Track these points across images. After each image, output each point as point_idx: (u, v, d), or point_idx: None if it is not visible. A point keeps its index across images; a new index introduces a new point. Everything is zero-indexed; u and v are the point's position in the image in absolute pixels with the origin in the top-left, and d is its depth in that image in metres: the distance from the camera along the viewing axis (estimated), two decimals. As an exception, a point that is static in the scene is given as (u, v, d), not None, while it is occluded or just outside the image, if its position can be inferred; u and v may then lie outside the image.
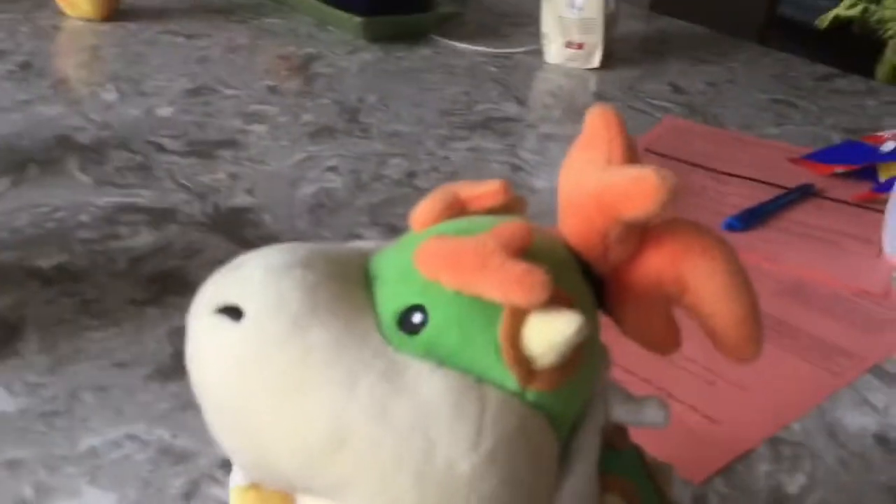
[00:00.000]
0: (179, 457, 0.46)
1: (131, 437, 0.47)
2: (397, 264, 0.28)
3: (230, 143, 0.82)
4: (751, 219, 0.78)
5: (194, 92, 0.93)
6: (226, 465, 0.46)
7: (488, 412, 0.25)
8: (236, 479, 0.36)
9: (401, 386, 0.25)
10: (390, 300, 0.27)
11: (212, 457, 0.46)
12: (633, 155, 0.29)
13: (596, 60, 1.13)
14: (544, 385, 0.26)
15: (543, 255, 0.27)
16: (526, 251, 0.27)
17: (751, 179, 0.87)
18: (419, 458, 0.25)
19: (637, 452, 0.33)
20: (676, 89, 1.11)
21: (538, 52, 1.16)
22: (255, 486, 0.34)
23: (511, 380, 0.26)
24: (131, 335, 0.55)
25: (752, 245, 0.74)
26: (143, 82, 0.94)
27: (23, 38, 1.02)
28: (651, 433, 0.51)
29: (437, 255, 0.26)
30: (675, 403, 0.55)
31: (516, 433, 0.26)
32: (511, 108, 1.00)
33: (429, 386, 0.25)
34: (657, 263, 0.29)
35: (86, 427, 0.48)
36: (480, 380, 0.26)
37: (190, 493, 0.44)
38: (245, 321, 0.26)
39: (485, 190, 0.30)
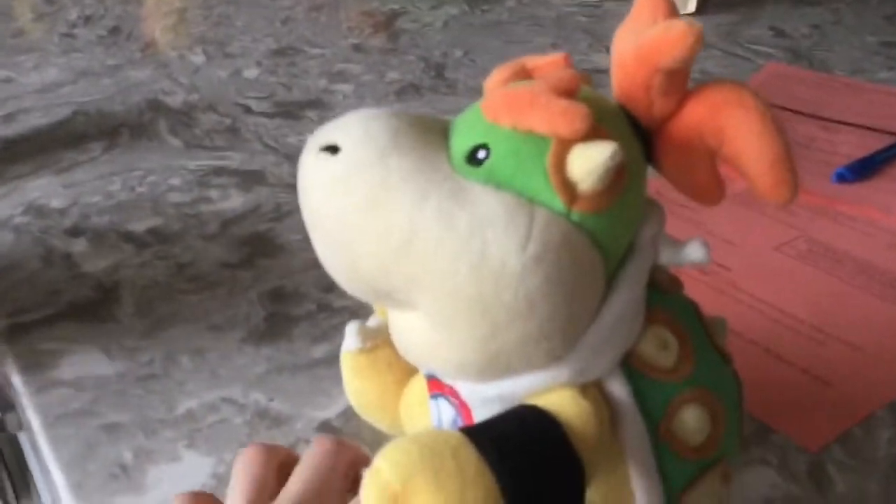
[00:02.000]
0: (275, 420, 0.46)
1: (228, 401, 0.47)
2: (468, 117, 0.33)
3: (316, 104, 0.81)
4: (863, 169, 0.73)
5: (279, 52, 0.92)
6: (322, 429, 0.45)
7: (536, 223, 0.30)
8: (348, 344, 0.41)
9: (464, 200, 0.30)
10: (461, 142, 0.32)
11: (308, 420, 0.46)
12: (675, 16, 0.32)
13: (691, 6, 1.08)
14: (587, 206, 0.30)
15: (592, 102, 0.31)
16: (573, 95, 0.31)
17: (862, 127, 0.81)
18: (476, 256, 0.29)
19: (687, 299, 0.36)
20: (778, 33, 1.05)
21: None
22: (364, 351, 0.41)
23: (557, 201, 0.30)
24: (224, 298, 0.55)
25: (865, 197, 0.70)
26: (229, 44, 0.93)
27: (111, 2, 1.03)
28: (760, 398, 0.49)
29: (497, 100, 0.31)
30: (783, 366, 0.52)
31: (561, 242, 0.30)
32: (602, 60, 0.96)
33: (487, 201, 0.30)
34: (698, 116, 0.32)
35: (182, 390, 0.48)
36: (532, 200, 0.30)
37: (286, 457, 0.44)
38: (341, 154, 0.31)
39: (549, 60, 0.34)
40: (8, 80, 0.82)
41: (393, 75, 0.89)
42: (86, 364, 0.49)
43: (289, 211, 0.64)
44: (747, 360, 0.52)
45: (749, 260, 0.61)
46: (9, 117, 0.75)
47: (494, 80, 0.34)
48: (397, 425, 0.43)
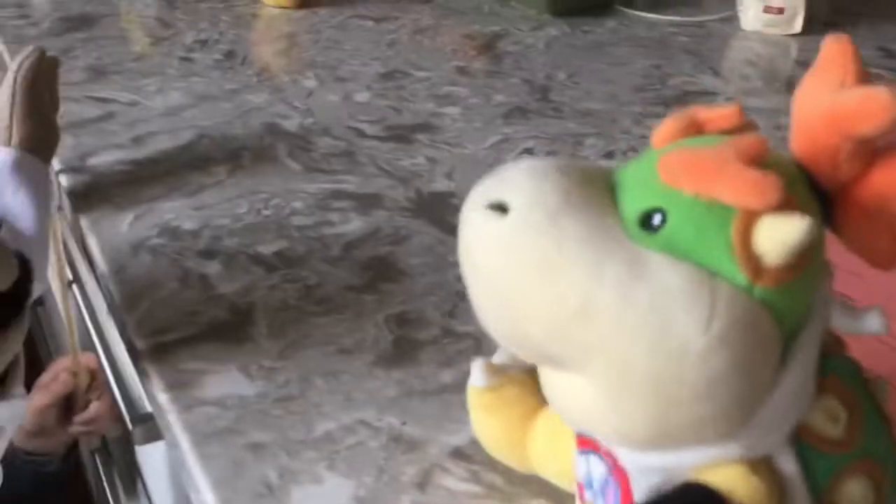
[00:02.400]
0: (410, 445, 0.47)
1: (363, 423, 0.49)
2: (639, 174, 0.32)
3: (426, 127, 0.83)
4: None
5: (387, 76, 0.95)
6: (455, 455, 0.46)
7: (720, 300, 0.28)
8: (475, 380, 0.42)
9: (642, 273, 0.29)
10: (633, 203, 0.31)
11: (441, 446, 0.47)
12: (865, 79, 0.31)
13: (798, 25, 1.06)
14: (771, 282, 0.29)
15: (776, 167, 0.30)
16: (762, 162, 0.29)
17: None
18: (656, 334, 0.28)
19: (853, 361, 0.35)
20: (888, 53, 1.03)
21: (733, 19, 1.11)
22: (490, 388, 0.41)
23: (741, 276, 0.29)
24: (352, 321, 0.57)
25: None
26: (339, 68, 0.96)
27: (224, 26, 1.07)
28: None
29: (678, 163, 0.30)
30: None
31: (745, 321, 0.29)
32: (707, 81, 0.96)
33: (668, 275, 0.29)
34: (886, 181, 0.31)
35: (320, 412, 0.49)
36: (713, 274, 0.29)
37: (423, 482, 0.45)
38: (511, 214, 0.30)
39: (721, 112, 0.33)
40: (134, 104, 0.86)
41: (499, 98, 0.90)
42: (227, 384, 0.51)
43: (406, 235, 0.66)
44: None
45: (877, 292, 0.60)
46: (138, 140, 0.79)
47: (664, 134, 0.33)
48: (525, 463, 0.43)
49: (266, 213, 0.68)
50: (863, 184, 0.31)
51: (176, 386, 0.51)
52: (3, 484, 0.70)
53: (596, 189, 0.31)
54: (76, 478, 0.96)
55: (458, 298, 0.57)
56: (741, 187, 0.29)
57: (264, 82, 0.92)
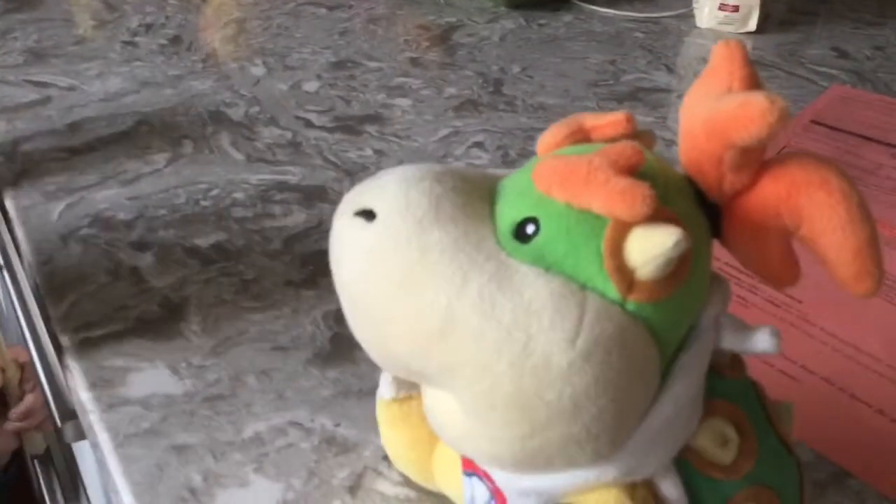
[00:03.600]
0: (342, 447, 0.46)
1: (295, 425, 0.47)
2: (518, 183, 0.30)
3: (375, 118, 0.81)
4: (934, 199, 0.71)
5: (338, 65, 0.93)
6: (389, 459, 0.45)
7: (588, 315, 0.27)
8: (382, 392, 0.40)
9: (508, 286, 0.27)
10: (508, 212, 0.29)
11: (374, 448, 0.45)
12: (753, 84, 0.29)
13: (752, 24, 1.06)
14: (645, 296, 0.28)
15: (656, 177, 0.29)
16: (635, 171, 0.28)
17: (932, 155, 0.79)
18: (518, 350, 0.27)
19: (753, 385, 0.33)
20: (841, 54, 1.04)
21: (689, 16, 1.10)
22: (397, 400, 0.39)
23: (612, 289, 0.27)
24: (289, 318, 0.55)
25: (938, 229, 0.68)
26: (289, 56, 0.94)
27: (171, 10, 1.04)
28: (835, 440, 0.48)
29: (551, 171, 0.29)
30: (859, 406, 0.51)
31: (613, 337, 0.27)
32: (661, 78, 0.95)
33: (534, 288, 0.27)
34: (774, 194, 0.29)
35: (250, 412, 0.48)
36: (584, 287, 0.27)
37: (355, 486, 0.43)
38: (376, 222, 0.29)
39: (609, 119, 0.31)
40: (72, 89, 0.83)
41: (451, 90, 0.89)
42: (154, 382, 0.49)
43: (350, 228, 0.64)
44: (820, 398, 0.51)
45: (822, 292, 0.60)
46: (74, 126, 0.76)
47: (547, 141, 0.31)
48: (428, 478, 0.41)
49: (205, 203, 0.66)
50: (751, 196, 0.30)
51: (99, 384, 0.49)
52: None
53: (473, 198, 0.29)
54: (20, 487, 0.92)
55: (399, 295, 0.56)
56: (610, 196, 0.27)
57: (210, 69, 0.89)
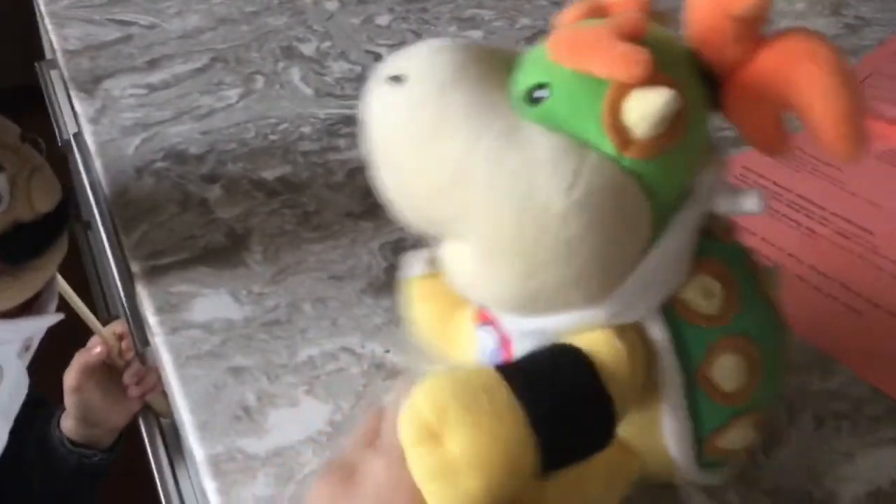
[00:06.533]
0: (391, 372, 0.47)
1: (346, 350, 0.48)
2: (535, 54, 0.33)
3: (446, 51, 0.81)
4: None
5: (411, -2, 0.92)
6: (435, 384, 0.46)
7: (585, 167, 0.30)
8: (415, 270, 0.43)
9: (515, 142, 0.30)
10: (522, 79, 0.32)
11: (422, 375, 0.46)
12: None
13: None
14: (639, 153, 0.30)
15: (659, 46, 0.31)
16: (637, 39, 0.30)
17: None
18: (521, 197, 0.30)
19: (743, 249, 0.36)
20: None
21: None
22: (427, 277, 0.43)
23: (609, 145, 0.30)
24: (347, 248, 0.56)
25: None
26: (363, -10, 0.94)
27: (251, -51, 1.05)
28: (893, 374, 0.46)
29: (562, 39, 0.32)
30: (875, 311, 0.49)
31: (607, 188, 0.30)
32: None
33: (538, 143, 0.30)
34: (770, 65, 0.31)
35: (304, 338, 0.49)
36: (584, 144, 0.30)
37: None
38: (405, 85, 0.32)
39: None
40: (153, 27, 0.85)
41: (524, 21, 0.87)
42: (216, 308, 0.51)
43: (414, 161, 0.64)
44: (883, 332, 0.50)
45: (894, 224, 0.57)
46: (153, 63, 0.78)
47: (567, 17, 0.34)
48: (447, 346, 0.44)
49: (273, 137, 0.68)
50: (749, 67, 0.32)
51: (165, 308, 0.51)
52: (43, 474, 0.71)
53: (494, 66, 0.32)
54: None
55: (455, 226, 0.56)
56: (611, 60, 0.30)
57: (285, 4, 0.90)
